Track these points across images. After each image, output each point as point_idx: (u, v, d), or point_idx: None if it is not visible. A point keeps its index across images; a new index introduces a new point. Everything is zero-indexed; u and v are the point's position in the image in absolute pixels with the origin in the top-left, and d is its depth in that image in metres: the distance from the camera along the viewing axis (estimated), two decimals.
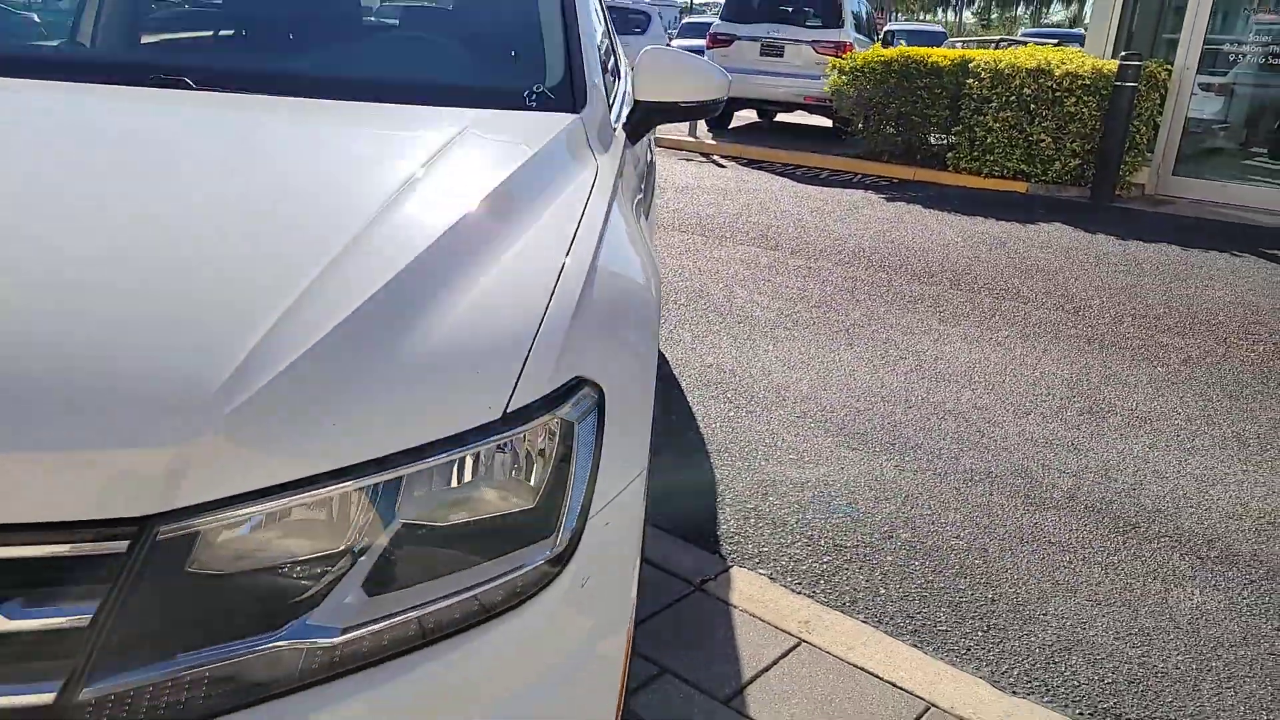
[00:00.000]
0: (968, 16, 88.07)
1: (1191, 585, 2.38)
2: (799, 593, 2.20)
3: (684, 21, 20.90)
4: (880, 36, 15.67)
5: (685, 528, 2.43)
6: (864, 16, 14.05)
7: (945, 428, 3.28)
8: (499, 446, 0.90)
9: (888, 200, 8.06)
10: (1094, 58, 8.68)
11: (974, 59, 9.09)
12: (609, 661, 1.02)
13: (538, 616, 0.92)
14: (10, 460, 0.73)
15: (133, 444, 0.76)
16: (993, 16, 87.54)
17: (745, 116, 13.47)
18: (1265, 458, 3.20)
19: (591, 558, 0.96)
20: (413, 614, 0.86)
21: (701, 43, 12.82)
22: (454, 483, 0.89)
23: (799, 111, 12.13)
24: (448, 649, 0.87)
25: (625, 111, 1.96)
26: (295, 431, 0.82)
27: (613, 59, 2.33)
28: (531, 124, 1.59)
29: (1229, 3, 8.79)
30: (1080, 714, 1.88)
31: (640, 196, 2.00)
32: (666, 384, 3.54)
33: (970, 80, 8.93)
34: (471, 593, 0.88)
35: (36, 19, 2.27)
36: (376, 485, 0.85)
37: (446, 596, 0.87)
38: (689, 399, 3.40)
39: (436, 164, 1.31)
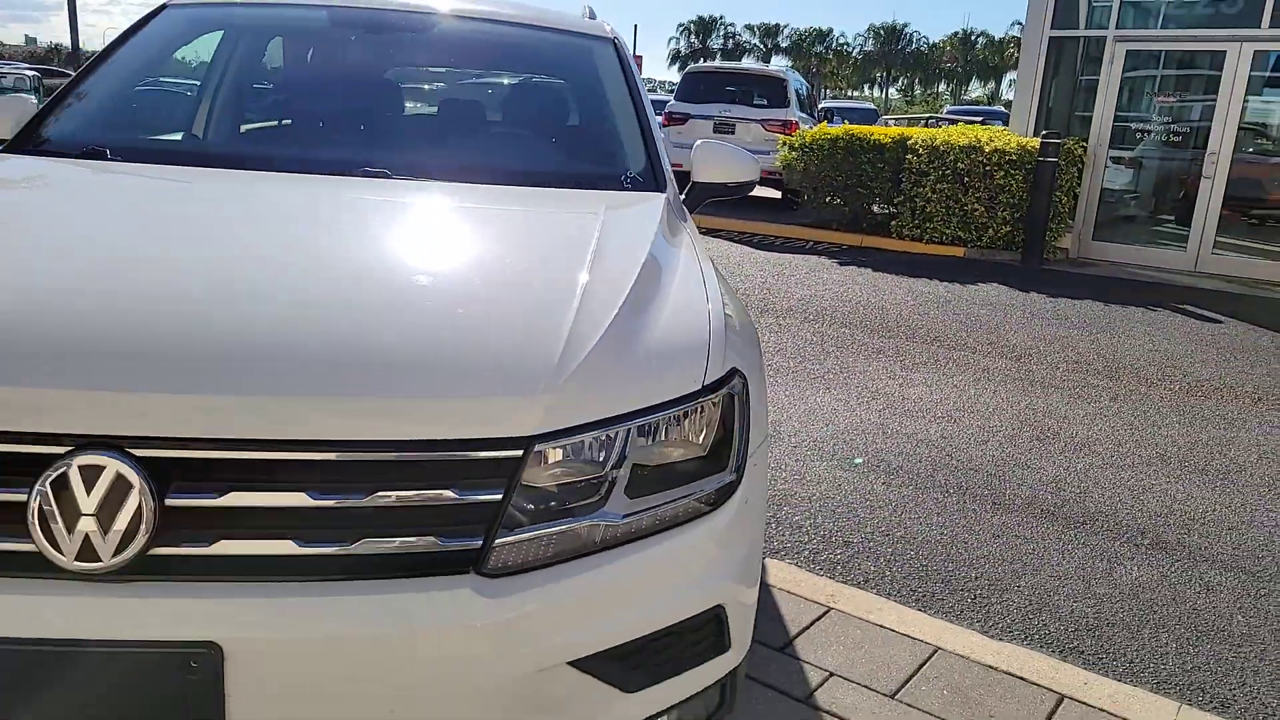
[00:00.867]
0: (892, 93, 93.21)
1: (1131, 564, 2.93)
2: (821, 575, 2.68)
3: None
4: (816, 114, 16.80)
5: None
6: (805, 96, 15.18)
7: (920, 453, 3.83)
8: (700, 408, 1.40)
9: (840, 265, 8.79)
10: (1018, 135, 9.69)
11: (912, 136, 10.03)
12: (759, 546, 1.54)
13: (723, 516, 1.41)
14: (466, 401, 1.24)
15: (520, 394, 1.25)
16: (916, 92, 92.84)
17: None
18: (1184, 471, 3.82)
19: (747, 485, 1.46)
20: (656, 511, 1.34)
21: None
22: (675, 428, 1.38)
23: None
24: (677, 533, 1.36)
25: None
26: (594, 392, 1.30)
27: None
28: (640, 200, 2.13)
29: (1134, 85, 9.95)
30: (1053, 652, 2.38)
31: None
32: None
33: (910, 155, 9.85)
34: (686, 500, 1.37)
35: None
36: (640, 426, 1.33)
37: (673, 501, 1.35)
38: None
39: (607, 226, 1.84)
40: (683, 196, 2.44)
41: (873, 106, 31.92)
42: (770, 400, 4.37)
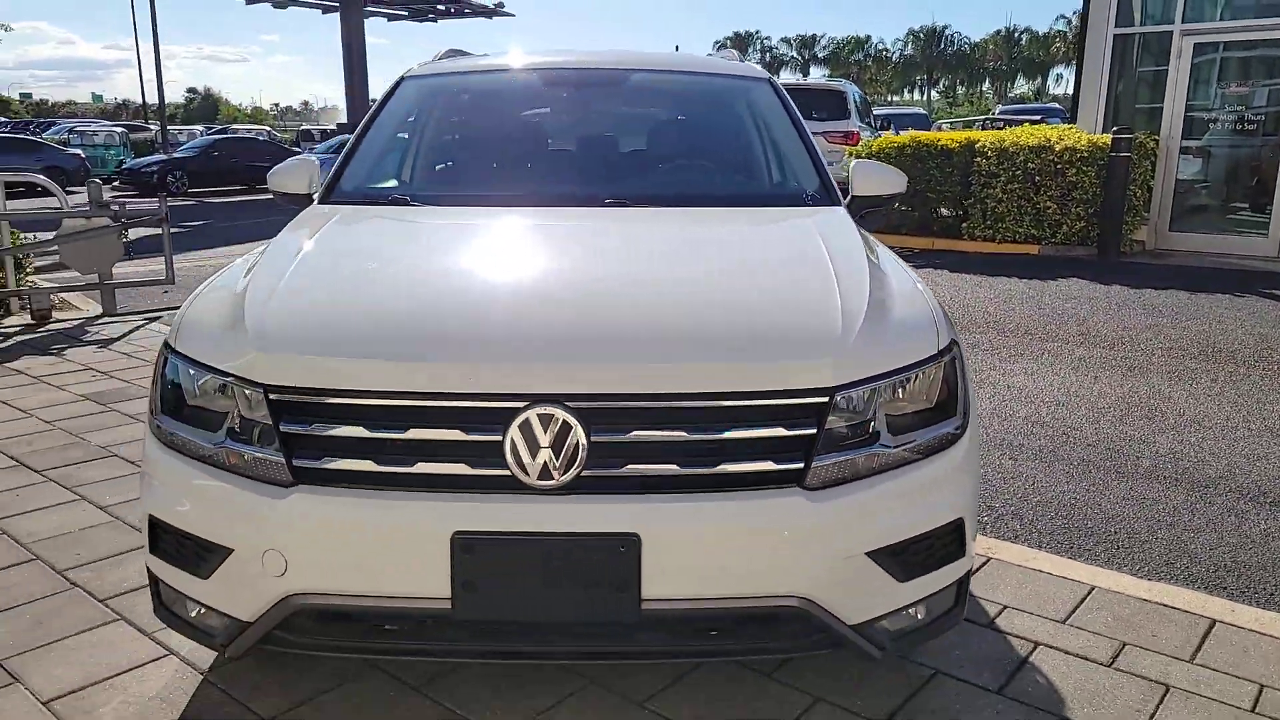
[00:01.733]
0: (933, 95, 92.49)
1: (1257, 518, 3.21)
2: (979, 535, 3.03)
3: None
4: (873, 123, 17.05)
5: None
6: (861, 106, 15.49)
7: (1038, 433, 4.14)
8: (937, 368, 1.82)
9: (917, 267, 9.08)
10: (1087, 133, 9.88)
11: (979, 139, 10.28)
12: (977, 471, 1.94)
13: (959, 451, 1.83)
14: (791, 363, 1.68)
15: (826, 356, 1.69)
16: (959, 93, 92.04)
17: None
18: None
19: (970, 431, 1.87)
20: (908, 446, 1.76)
21: None
22: (921, 383, 1.79)
23: None
24: (924, 464, 1.77)
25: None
26: (869, 356, 1.73)
27: None
28: (828, 212, 2.57)
29: (1200, 74, 10.05)
30: (1199, 588, 2.69)
31: None
32: None
33: (978, 159, 10.10)
34: (930, 437, 1.78)
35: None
36: (900, 380, 1.75)
37: (923, 438, 1.77)
38: None
39: (823, 232, 2.29)
40: None
41: (924, 112, 31.94)
42: None
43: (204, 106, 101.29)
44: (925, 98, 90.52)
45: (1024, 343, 5.92)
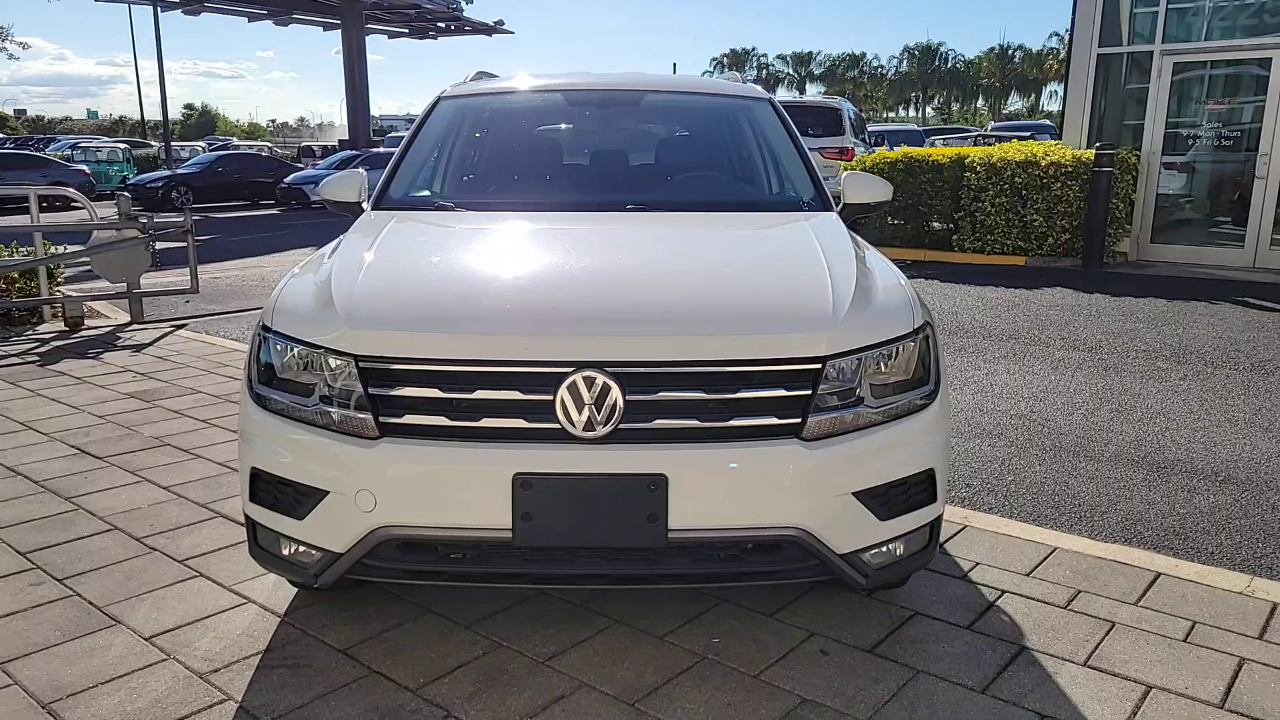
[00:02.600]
0: (928, 111, 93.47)
1: (1207, 494, 3.57)
2: (953, 506, 3.38)
3: None
4: (868, 139, 17.48)
5: None
6: (856, 122, 15.94)
7: (1015, 424, 4.51)
8: (913, 342, 2.18)
9: (910, 277, 9.43)
10: (1072, 149, 10.30)
11: (969, 155, 10.71)
12: (949, 438, 2.29)
13: (931, 412, 2.19)
14: (791, 335, 2.05)
15: (819, 330, 2.05)
16: (954, 109, 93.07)
17: None
18: (1250, 430, 4.42)
19: (940, 397, 2.23)
20: (887, 407, 2.12)
21: None
22: (898, 355, 2.15)
23: None
24: (902, 422, 2.13)
25: None
26: (855, 331, 2.09)
27: None
28: (822, 217, 2.94)
29: (1182, 91, 10.49)
30: (1149, 549, 3.05)
31: None
32: None
33: (968, 174, 10.52)
34: (905, 400, 2.14)
35: None
36: (882, 352, 2.12)
37: (900, 401, 2.13)
38: None
39: (817, 232, 2.67)
40: None
41: (918, 128, 32.50)
42: None
43: (201, 122, 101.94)
44: (920, 114, 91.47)
45: (1008, 346, 6.29)
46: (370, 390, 2.04)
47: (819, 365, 2.03)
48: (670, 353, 2.00)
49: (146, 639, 2.45)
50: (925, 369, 2.21)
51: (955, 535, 3.08)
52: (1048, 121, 30.00)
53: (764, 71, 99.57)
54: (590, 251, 2.54)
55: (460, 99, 3.62)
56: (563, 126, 3.64)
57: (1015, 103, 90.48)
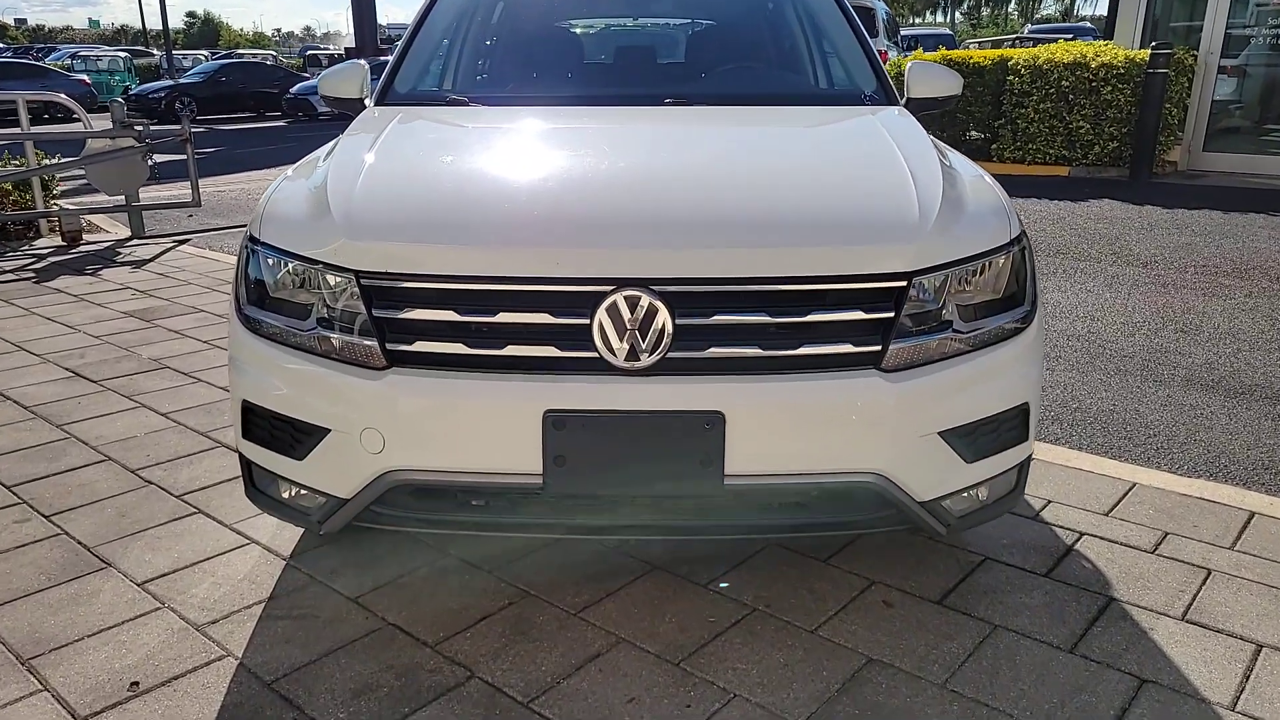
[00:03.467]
0: (958, 17, 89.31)
1: None
2: None
3: None
4: (900, 42, 16.58)
5: None
6: (891, 26, 15.07)
7: (1073, 345, 4.18)
8: (1010, 255, 1.86)
9: None
10: (1124, 49, 9.60)
11: (1013, 57, 10.02)
12: (1041, 359, 1.98)
13: (1027, 338, 1.88)
14: (871, 247, 1.72)
15: (905, 241, 1.72)
16: (983, 14, 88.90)
17: None
18: None
19: (1036, 320, 1.91)
20: (978, 332, 1.80)
21: None
22: (994, 270, 1.83)
23: None
24: (994, 349, 1.82)
25: None
26: (945, 242, 1.76)
27: None
28: (892, 112, 2.56)
29: None
30: (1238, 484, 2.76)
31: None
32: None
33: (1011, 77, 9.86)
34: (998, 324, 1.83)
35: None
36: (973, 267, 1.79)
37: (987, 327, 1.81)
38: None
39: (892, 128, 2.31)
40: None
41: (949, 32, 30.98)
42: None
43: (204, 31, 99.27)
44: (949, 19, 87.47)
45: (1057, 262, 5.90)
46: (375, 312, 1.73)
47: (904, 283, 1.70)
48: (731, 268, 1.66)
49: (139, 584, 2.23)
50: (1020, 287, 1.88)
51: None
52: (1089, 25, 28.47)
53: None
54: (629, 151, 2.17)
55: None
56: (590, 11, 3.21)
57: (1048, 6, 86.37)
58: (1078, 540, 2.40)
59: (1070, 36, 18.78)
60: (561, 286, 1.68)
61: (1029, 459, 1.98)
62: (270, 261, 1.88)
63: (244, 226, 7.61)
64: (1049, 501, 2.61)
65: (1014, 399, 1.84)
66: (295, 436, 1.83)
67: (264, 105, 22.98)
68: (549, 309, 1.68)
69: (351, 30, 31.66)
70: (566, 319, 1.68)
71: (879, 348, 1.70)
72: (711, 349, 1.68)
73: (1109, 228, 6.99)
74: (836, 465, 1.70)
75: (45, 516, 2.56)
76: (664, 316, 1.65)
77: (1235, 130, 10.05)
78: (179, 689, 1.85)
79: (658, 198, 1.82)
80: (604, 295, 1.66)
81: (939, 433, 1.74)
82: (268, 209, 1.99)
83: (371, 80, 2.89)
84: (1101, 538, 2.41)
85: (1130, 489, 2.69)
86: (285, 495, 1.94)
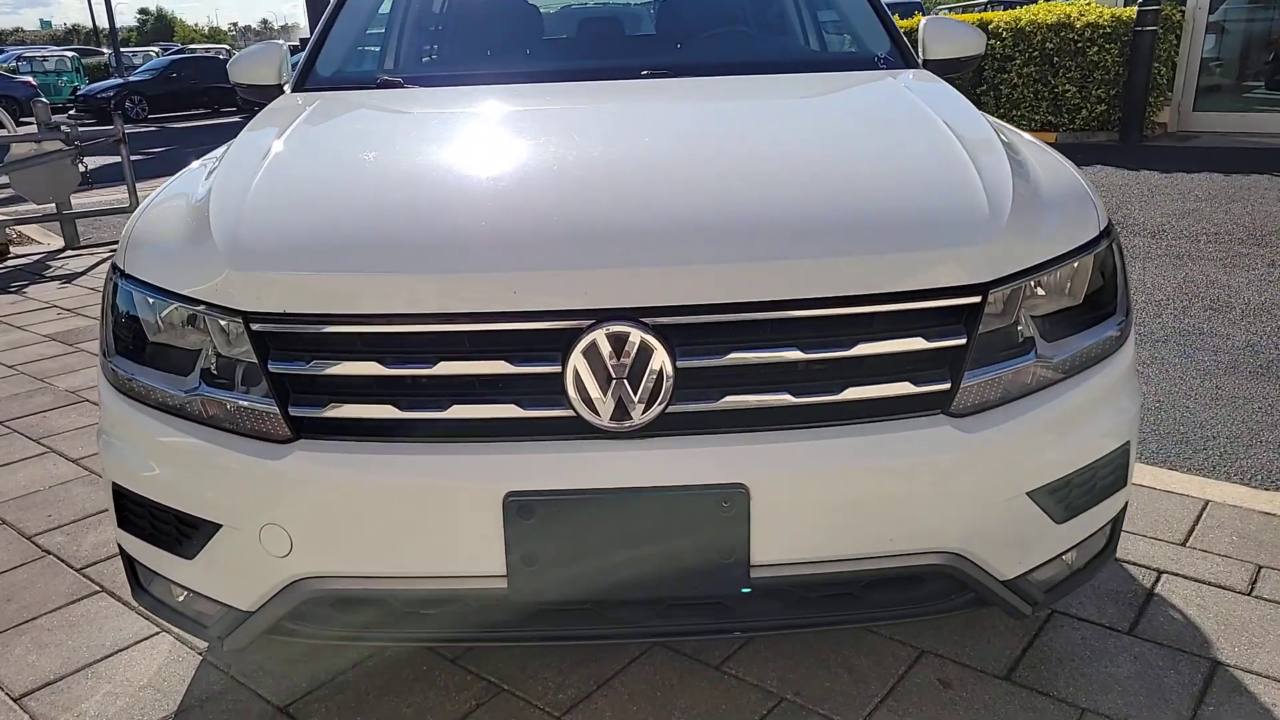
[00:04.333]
0: None
1: None
2: None
3: None
4: None
5: None
6: None
7: None
8: (1099, 254, 1.44)
9: None
10: (1109, 7, 9.22)
11: (993, 20, 9.62)
12: (1139, 385, 1.58)
13: (1127, 354, 1.48)
14: (932, 252, 1.28)
15: (975, 244, 1.30)
16: None
17: None
18: None
19: (1132, 330, 1.49)
20: (1068, 356, 1.39)
21: None
22: (1080, 276, 1.42)
23: None
24: (1085, 379, 1.41)
25: None
26: (1024, 242, 1.35)
27: None
28: (917, 75, 2.14)
29: None
30: None
31: None
32: None
33: (992, 41, 9.46)
34: (1090, 342, 1.42)
35: None
36: (1059, 272, 1.38)
37: (1078, 347, 1.41)
38: None
39: (926, 97, 1.89)
40: None
41: None
42: None
43: (158, 28, 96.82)
44: None
45: None
46: (272, 367, 1.29)
47: (977, 297, 1.28)
48: (748, 289, 1.23)
49: (15, 700, 1.79)
50: (1113, 292, 1.47)
51: None
52: None
53: None
54: (604, 137, 1.68)
55: None
56: None
57: None
58: (1158, 581, 2.02)
59: None
60: (522, 324, 1.23)
61: (1125, 508, 1.57)
62: (142, 300, 1.43)
63: None
64: None
65: (1117, 437, 1.42)
66: (180, 530, 1.39)
67: (218, 101, 22.19)
68: (506, 354, 1.25)
69: (307, 23, 30.70)
70: (530, 366, 1.24)
71: (947, 385, 1.28)
72: (727, 398, 1.25)
73: (1108, 196, 6.63)
74: (898, 545, 1.28)
75: None
76: (661, 358, 1.21)
77: (1225, 88, 9.74)
78: None
79: (646, 198, 1.36)
80: (580, 333, 1.22)
81: (1027, 493, 1.33)
82: (135, 232, 1.53)
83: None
84: (1185, 576, 2.03)
85: (1204, 508, 2.30)
86: (178, 599, 1.50)
